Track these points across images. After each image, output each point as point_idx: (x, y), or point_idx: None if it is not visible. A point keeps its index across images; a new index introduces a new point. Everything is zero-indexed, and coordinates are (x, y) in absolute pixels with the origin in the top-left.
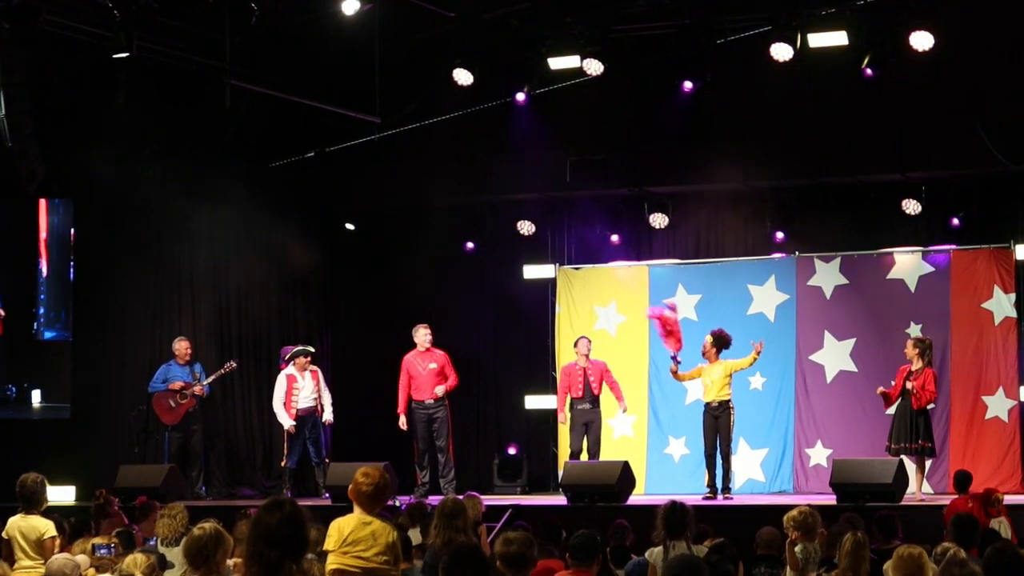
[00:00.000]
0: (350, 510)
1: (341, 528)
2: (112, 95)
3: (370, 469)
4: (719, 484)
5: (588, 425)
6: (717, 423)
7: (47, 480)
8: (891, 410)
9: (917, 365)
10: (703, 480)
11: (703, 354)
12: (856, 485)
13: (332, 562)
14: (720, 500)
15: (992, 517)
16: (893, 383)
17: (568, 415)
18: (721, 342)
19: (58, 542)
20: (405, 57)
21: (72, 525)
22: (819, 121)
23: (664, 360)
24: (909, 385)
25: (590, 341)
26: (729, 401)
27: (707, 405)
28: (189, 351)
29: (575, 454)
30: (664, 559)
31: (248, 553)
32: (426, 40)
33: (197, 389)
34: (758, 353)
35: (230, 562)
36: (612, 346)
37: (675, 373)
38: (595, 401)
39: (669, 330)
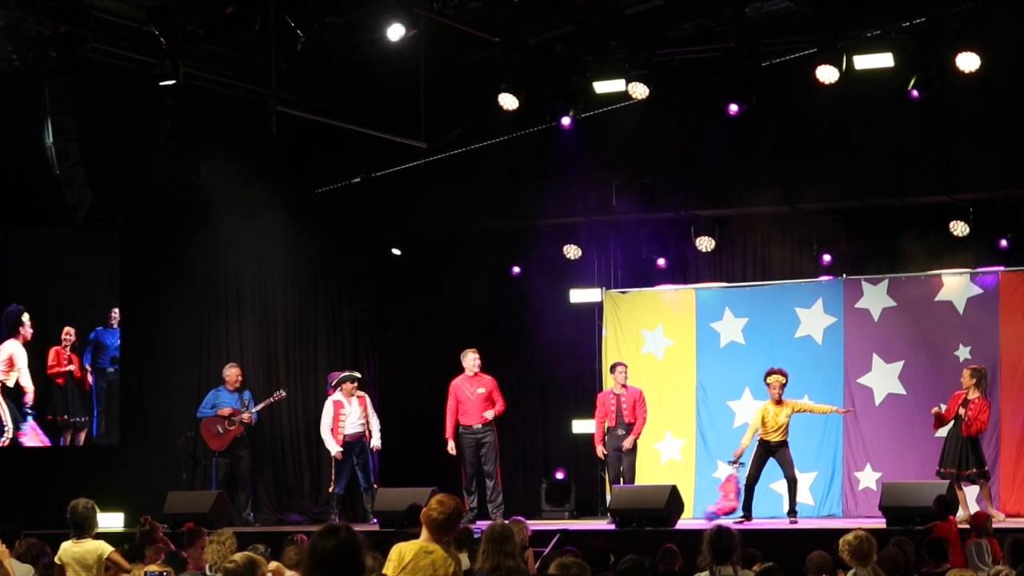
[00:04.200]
0: (399, 536)
1: (402, 554)
2: (159, 122)
3: (445, 498)
4: (786, 507)
5: (622, 451)
6: (773, 455)
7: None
8: (941, 432)
9: (973, 395)
10: (752, 505)
11: (773, 395)
12: (906, 508)
13: None
14: (772, 524)
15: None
16: (945, 406)
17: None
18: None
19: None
20: (450, 82)
21: (126, 552)
22: (865, 143)
23: (711, 383)
24: (962, 412)
25: (627, 367)
26: (787, 439)
27: (766, 441)
28: (240, 378)
29: (613, 480)
30: None
31: None
32: (471, 65)
33: (246, 417)
34: (834, 411)
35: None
36: (659, 370)
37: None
38: (629, 428)
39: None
